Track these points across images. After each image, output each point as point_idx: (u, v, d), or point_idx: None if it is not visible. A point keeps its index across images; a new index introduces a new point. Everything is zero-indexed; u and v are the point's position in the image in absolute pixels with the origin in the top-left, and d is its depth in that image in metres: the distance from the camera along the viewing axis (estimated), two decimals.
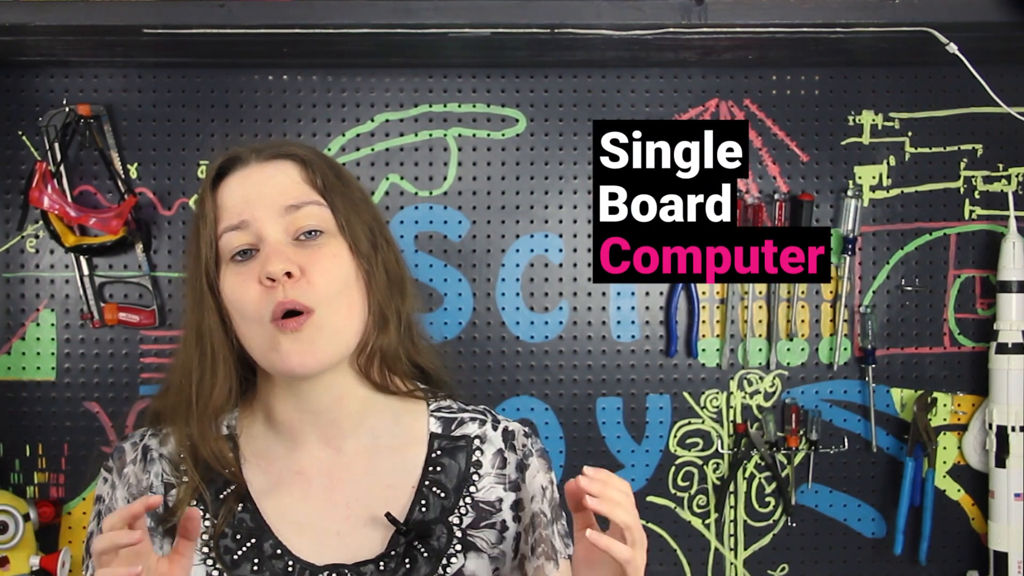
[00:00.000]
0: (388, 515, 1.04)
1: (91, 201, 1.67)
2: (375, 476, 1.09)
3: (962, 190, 1.73)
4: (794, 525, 1.74)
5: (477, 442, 1.12)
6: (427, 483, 1.09)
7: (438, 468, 1.10)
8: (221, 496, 1.05)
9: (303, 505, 1.07)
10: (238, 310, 1.02)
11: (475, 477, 1.10)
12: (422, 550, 1.05)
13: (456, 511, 1.08)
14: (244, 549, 1.03)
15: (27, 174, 1.63)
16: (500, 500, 1.10)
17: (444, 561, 1.05)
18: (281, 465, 1.08)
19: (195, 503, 1.05)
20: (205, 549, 1.04)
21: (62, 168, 1.64)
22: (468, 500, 1.09)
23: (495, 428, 1.14)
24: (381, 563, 1.04)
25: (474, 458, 1.11)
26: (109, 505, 1.08)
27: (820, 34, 1.45)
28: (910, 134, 1.73)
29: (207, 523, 1.05)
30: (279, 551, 1.03)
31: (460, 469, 1.10)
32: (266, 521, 1.05)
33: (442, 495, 1.08)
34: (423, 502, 1.08)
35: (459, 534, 1.07)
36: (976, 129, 1.73)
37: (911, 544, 1.72)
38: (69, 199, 1.64)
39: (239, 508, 1.05)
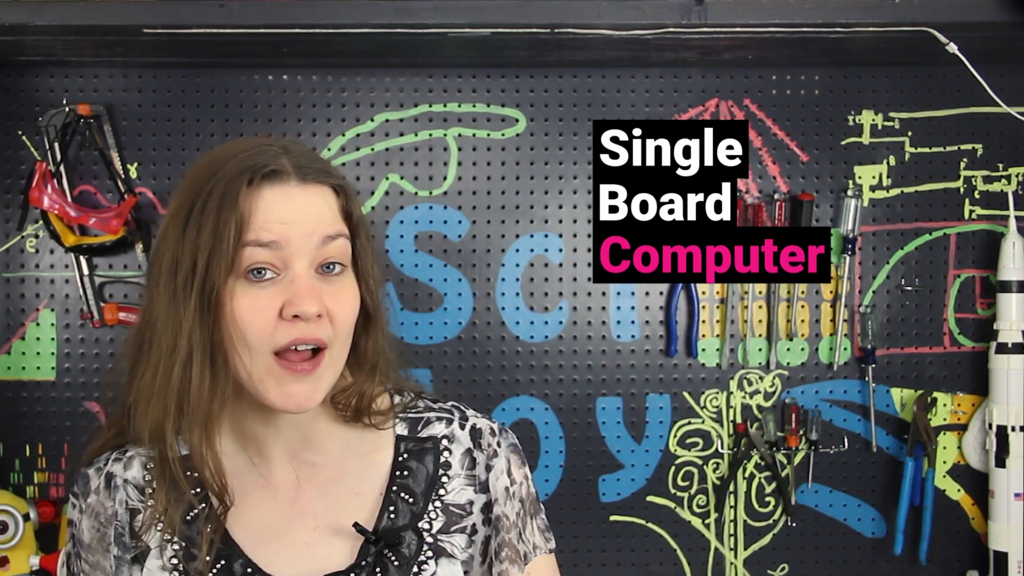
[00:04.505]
0: (356, 525, 1.02)
1: (91, 201, 1.67)
2: (342, 484, 1.06)
3: (962, 190, 1.73)
4: (794, 525, 1.74)
5: (445, 442, 1.09)
6: (394, 488, 1.06)
7: (405, 472, 1.07)
8: (188, 518, 1.03)
9: (271, 518, 1.04)
10: (241, 333, 0.95)
11: (444, 479, 1.07)
12: (393, 558, 1.03)
13: (426, 516, 1.05)
14: (214, 571, 1.01)
15: (27, 174, 1.63)
16: (471, 503, 1.07)
17: (415, 569, 1.03)
18: (247, 479, 1.05)
19: (162, 527, 1.03)
20: (176, 574, 1.02)
21: (62, 168, 1.64)
22: (437, 504, 1.06)
23: (463, 427, 1.10)
24: (352, 574, 1.02)
25: (442, 459, 1.08)
26: (79, 537, 1.06)
27: (820, 34, 1.45)
28: (910, 134, 1.73)
29: (175, 547, 1.02)
30: (249, 569, 1.01)
31: (428, 472, 1.07)
32: (234, 540, 1.03)
33: (410, 500, 1.06)
34: (391, 508, 1.05)
35: (429, 540, 1.05)
36: (976, 129, 1.73)
37: (911, 544, 1.72)
38: (69, 199, 1.64)
39: (208, 529, 1.02)
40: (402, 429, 1.09)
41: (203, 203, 0.97)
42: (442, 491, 1.07)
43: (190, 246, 0.96)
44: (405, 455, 1.08)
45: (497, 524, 1.07)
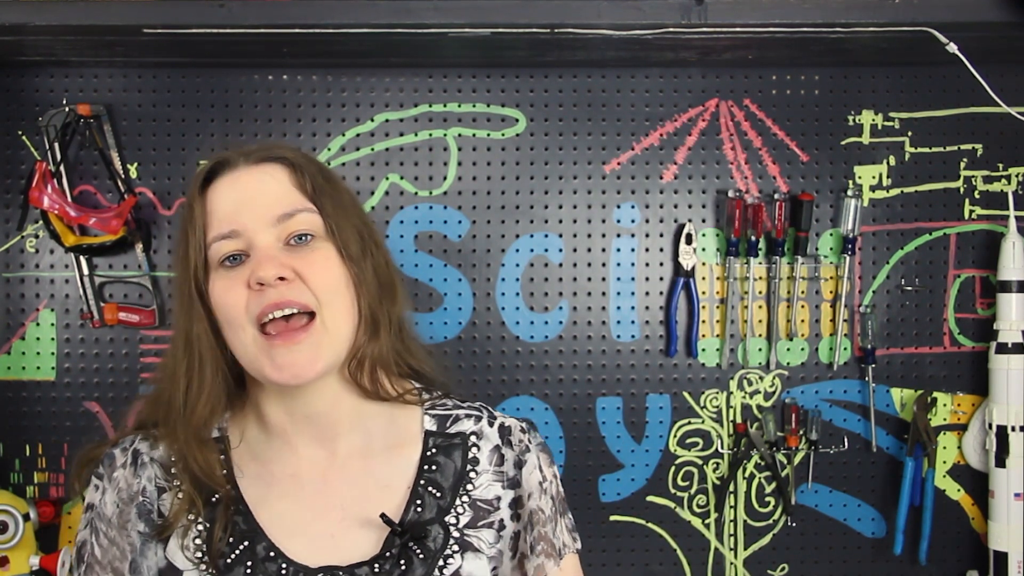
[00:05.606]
0: (383, 516, 1.03)
1: (91, 201, 1.67)
2: (369, 477, 1.08)
3: (962, 190, 1.73)
4: (794, 525, 1.74)
5: (473, 438, 1.11)
6: (422, 482, 1.07)
7: (433, 467, 1.08)
8: (213, 499, 1.04)
9: (297, 507, 1.06)
10: (224, 315, 1.01)
11: (472, 475, 1.09)
12: (417, 551, 1.04)
13: (453, 510, 1.07)
14: (237, 552, 1.03)
15: (27, 174, 1.63)
16: (498, 498, 1.09)
17: (441, 562, 1.04)
18: (274, 468, 1.07)
19: (188, 508, 1.04)
20: (199, 554, 1.03)
21: (62, 168, 1.64)
22: (465, 499, 1.08)
23: (491, 424, 1.12)
24: (376, 565, 1.03)
25: (471, 455, 1.10)
26: (100, 511, 1.07)
27: (820, 34, 1.45)
28: (910, 134, 1.73)
29: (199, 527, 1.04)
30: (272, 553, 1.03)
31: (456, 467, 1.09)
32: (259, 524, 1.04)
33: (438, 494, 1.07)
34: (418, 502, 1.06)
35: (456, 534, 1.06)
36: (976, 129, 1.73)
37: (911, 544, 1.72)
38: (69, 199, 1.64)
39: (232, 511, 1.04)
40: (431, 424, 1.11)
41: (183, 213, 1.07)
42: (470, 486, 1.09)
43: (181, 254, 1.04)
44: (434, 450, 1.10)
45: (532, 518, 1.09)
